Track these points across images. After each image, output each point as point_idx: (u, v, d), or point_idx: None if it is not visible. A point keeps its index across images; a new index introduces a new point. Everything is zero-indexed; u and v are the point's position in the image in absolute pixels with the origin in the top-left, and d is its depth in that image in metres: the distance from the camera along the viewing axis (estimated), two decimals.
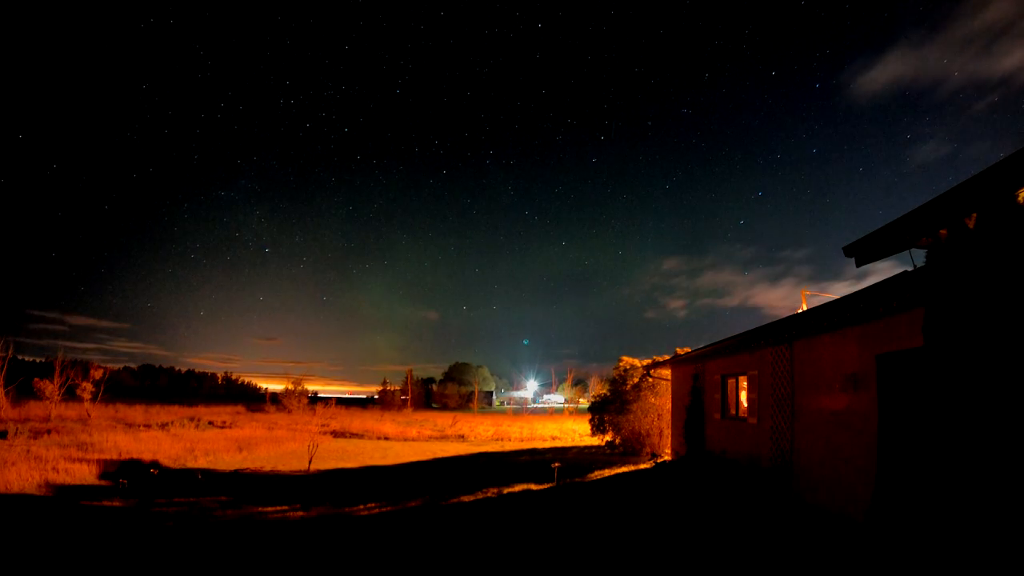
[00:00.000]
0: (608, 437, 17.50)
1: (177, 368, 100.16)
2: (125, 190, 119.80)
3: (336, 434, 24.03)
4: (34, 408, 24.79)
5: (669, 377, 15.34)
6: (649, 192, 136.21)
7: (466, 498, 8.72)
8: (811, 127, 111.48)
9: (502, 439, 23.84)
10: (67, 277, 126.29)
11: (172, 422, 22.96)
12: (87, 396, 26.67)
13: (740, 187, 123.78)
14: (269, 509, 7.82)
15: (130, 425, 21.89)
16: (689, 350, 13.51)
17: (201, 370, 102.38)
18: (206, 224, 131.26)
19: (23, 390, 25.23)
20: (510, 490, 9.46)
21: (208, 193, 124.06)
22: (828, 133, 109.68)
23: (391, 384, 69.26)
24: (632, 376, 16.95)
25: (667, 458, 14.11)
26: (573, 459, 14.92)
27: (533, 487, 9.75)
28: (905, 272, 4.46)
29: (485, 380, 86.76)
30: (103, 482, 9.83)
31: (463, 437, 24.58)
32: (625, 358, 17.68)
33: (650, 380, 16.19)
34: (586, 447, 19.32)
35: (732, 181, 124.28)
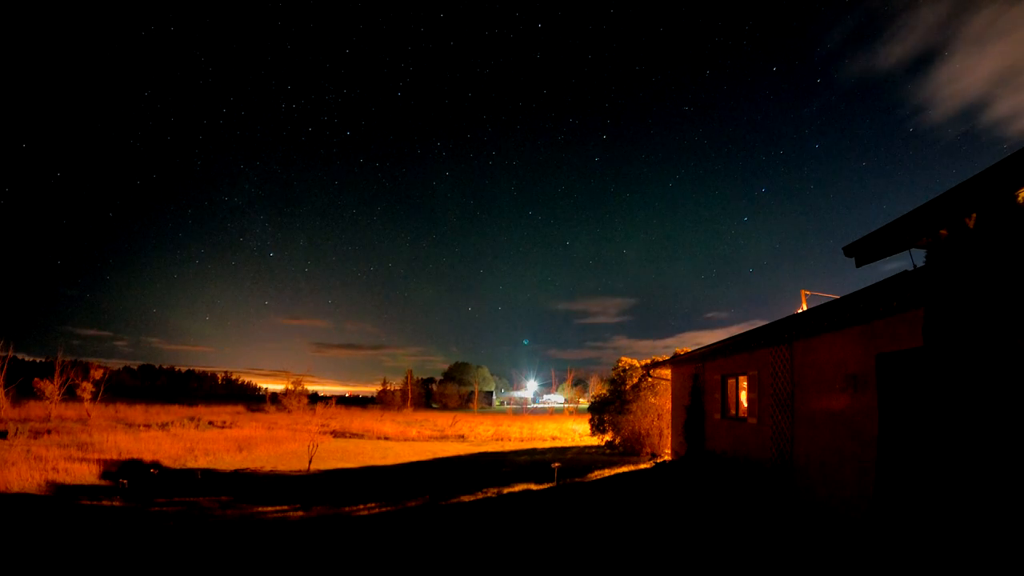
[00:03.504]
0: (608, 437, 17.50)
1: (177, 368, 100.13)
2: (129, 196, 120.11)
3: (336, 434, 24.03)
4: (34, 408, 24.77)
5: (669, 377, 15.33)
6: (652, 191, 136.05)
7: (466, 498, 8.71)
8: (813, 122, 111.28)
9: (502, 439, 23.83)
10: (72, 283, 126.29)
11: (172, 422, 22.95)
12: (87, 396, 26.66)
13: (743, 184, 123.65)
14: (269, 509, 7.82)
15: (130, 425, 21.89)
16: (689, 350, 13.51)
17: (201, 370, 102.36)
18: (210, 229, 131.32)
19: (23, 390, 25.21)
20: (510, 490, 9.46)
21: (212, 198, 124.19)
22: (830, 129, 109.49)
23: (391, 384, 69.28)
24: (632, 376, 16.95)
25: (667, 458, 14.11)
26: (573, 459, 14.91)
27: (533, 487, 9.75)
28: (905, 272, 4.46)
29: (485, 380, 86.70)
30: (103, 482, 9.83)
31: (463, 437, 24.58)
32: (624, 358, 17.69)
33: (650, 380, 16.18)
34: (586, 447, 19.31)
35: (735, 178, 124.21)
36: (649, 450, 15.74)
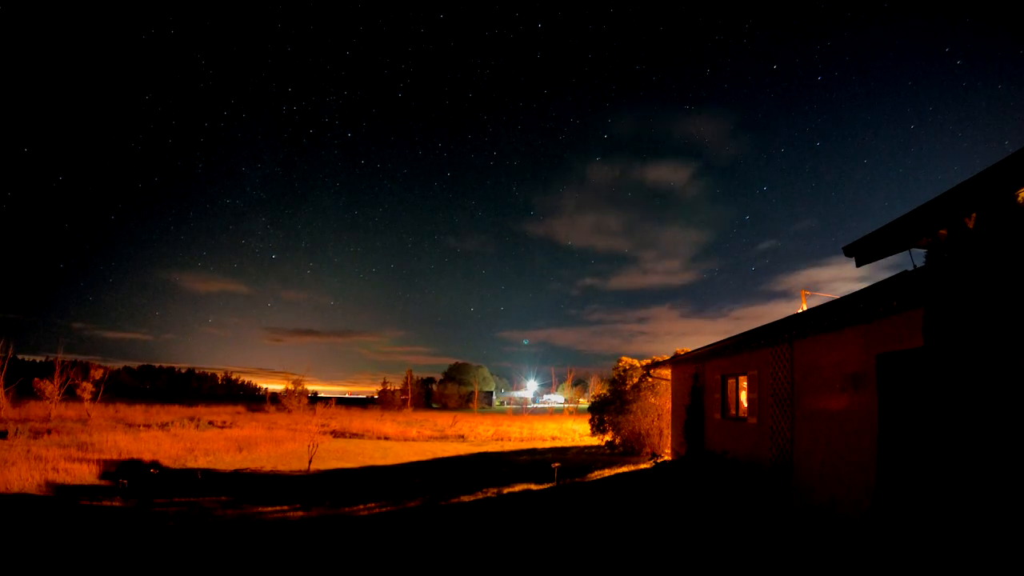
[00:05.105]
0: (608, 437, 17.50)
1: (177, 368, 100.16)
2: (131, 200, 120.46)
3: (336, 434, 24.03)
4: (34, 408, 24.77)
5: (669, 377, 15.33)
6: (651, 190, 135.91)
7: (466, 498, 8.72)
8: (814, 121, 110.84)
9: (502, 439, 23.83)
10: (75, 287, 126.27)
11: (172, 422, 22.95)
12: (87, 396, 26.65)
13: (744, 183, 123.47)
14: (269, 509, 7.82)
15: (130, 425, 21.88)
16: (689, 350, 13.51)
17: (201, 370, 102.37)
18: (212, 232, 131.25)
19: (23, 390, 25.21)
20: (510, 490, 9.46)
21: (214, 201, 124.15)
22: (832, 127, 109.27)
23: (391, 384, 69.26)
24: (632, 376, 16.95)
25: (667, 458, 14.11)
26: (573, 459, 14.92)
27: (533, 487, 9.75)
28: (905, 272, 4.46)
29: (485, 380, 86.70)
30: (103, 482, 9.83)
31: (463, 437, 24.58)
32: (625, 358, 17.70)
33: (650, 380, 16.19)
34: (586, 447, 19.32)
35: (735, 176, 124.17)
36: (649, 450, 15.73)
